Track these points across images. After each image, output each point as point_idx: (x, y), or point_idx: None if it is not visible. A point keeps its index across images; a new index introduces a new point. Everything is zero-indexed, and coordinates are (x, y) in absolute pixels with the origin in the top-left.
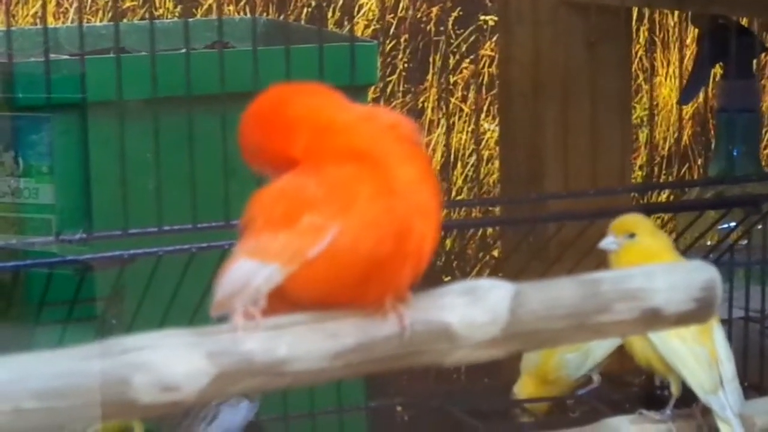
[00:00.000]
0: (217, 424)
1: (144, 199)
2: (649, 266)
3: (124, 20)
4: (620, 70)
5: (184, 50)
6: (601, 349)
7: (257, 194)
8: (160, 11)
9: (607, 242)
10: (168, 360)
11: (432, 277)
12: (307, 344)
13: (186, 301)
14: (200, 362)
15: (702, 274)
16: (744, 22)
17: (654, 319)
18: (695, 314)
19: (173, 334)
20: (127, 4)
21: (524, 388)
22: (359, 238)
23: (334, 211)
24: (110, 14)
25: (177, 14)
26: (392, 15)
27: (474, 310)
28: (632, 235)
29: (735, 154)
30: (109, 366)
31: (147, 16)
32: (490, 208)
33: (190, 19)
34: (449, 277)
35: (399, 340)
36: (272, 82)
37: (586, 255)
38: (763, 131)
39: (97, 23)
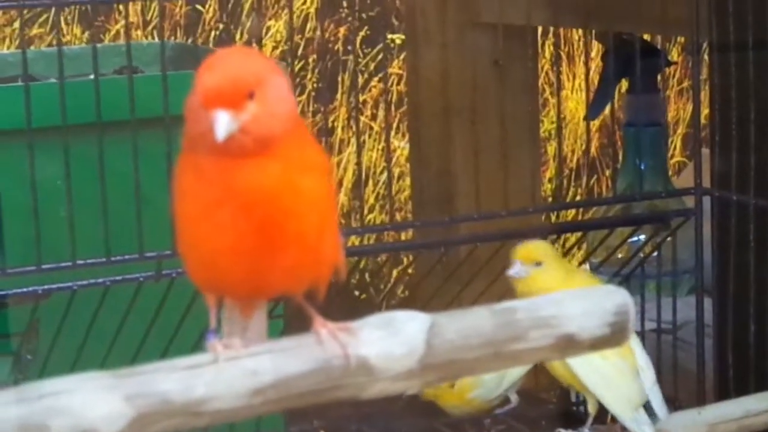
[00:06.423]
0: None
1: (57, 230)
2: (563, 293)
3: (31, 47)
4: (527, 90)
5: (92, 76)
6: (516, 370)
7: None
8: (68, 37)
9: (516, 270)
10: (86, 403)
11: (346, 295)
12: (225, 382)
13: (102, 335)
14: (118, 405)
15: (615, 298)
16: (647, 37)
17: (569, 345)
18: (609, 339)
19: (91, 377)
20: (34, 31)
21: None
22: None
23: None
24: (17, 42)
25: (84, 40)
26: (300, 36)
27: (391, 343)
28: (539, 263)
29: (643, 167)
30: (26, 412)
31: (54, 43)
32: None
33: (98, 45)
34: (364, 294)
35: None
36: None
37: (499, 276)
38: (671, 143)
39: (4, 51)
